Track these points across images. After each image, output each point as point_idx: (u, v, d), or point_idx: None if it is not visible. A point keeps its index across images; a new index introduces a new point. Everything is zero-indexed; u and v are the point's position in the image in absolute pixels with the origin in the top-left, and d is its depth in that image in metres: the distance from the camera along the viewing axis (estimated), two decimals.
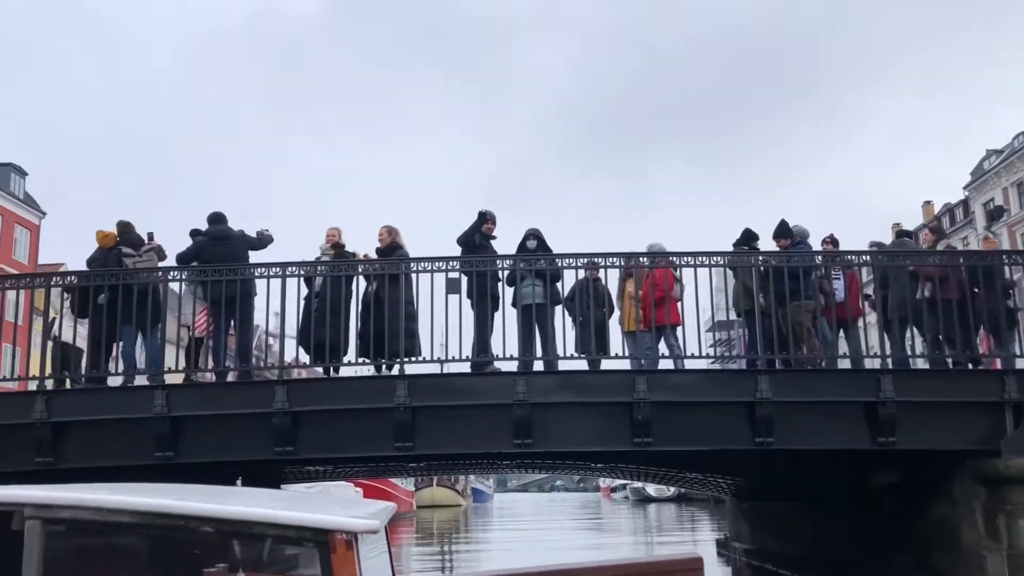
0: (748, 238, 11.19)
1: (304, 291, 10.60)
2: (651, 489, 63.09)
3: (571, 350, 10.14)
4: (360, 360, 10.27)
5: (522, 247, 11.06)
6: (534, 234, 11.16)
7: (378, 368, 10.34)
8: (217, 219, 11.26)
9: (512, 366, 10.24)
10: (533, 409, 9.97)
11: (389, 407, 9.95)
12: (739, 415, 10.05)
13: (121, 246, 10.77)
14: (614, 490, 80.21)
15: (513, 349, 10.26)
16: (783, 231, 11.12)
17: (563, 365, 10.41)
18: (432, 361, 10.33)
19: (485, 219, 11.08)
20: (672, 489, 62.77)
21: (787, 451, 10.32)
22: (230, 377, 10.88)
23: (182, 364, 10.62)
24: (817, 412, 10.01)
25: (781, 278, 10.25)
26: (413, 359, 10.27)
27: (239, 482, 12.67)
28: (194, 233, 11.41)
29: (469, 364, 10.47)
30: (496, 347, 10.51)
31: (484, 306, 10.40)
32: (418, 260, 10.40)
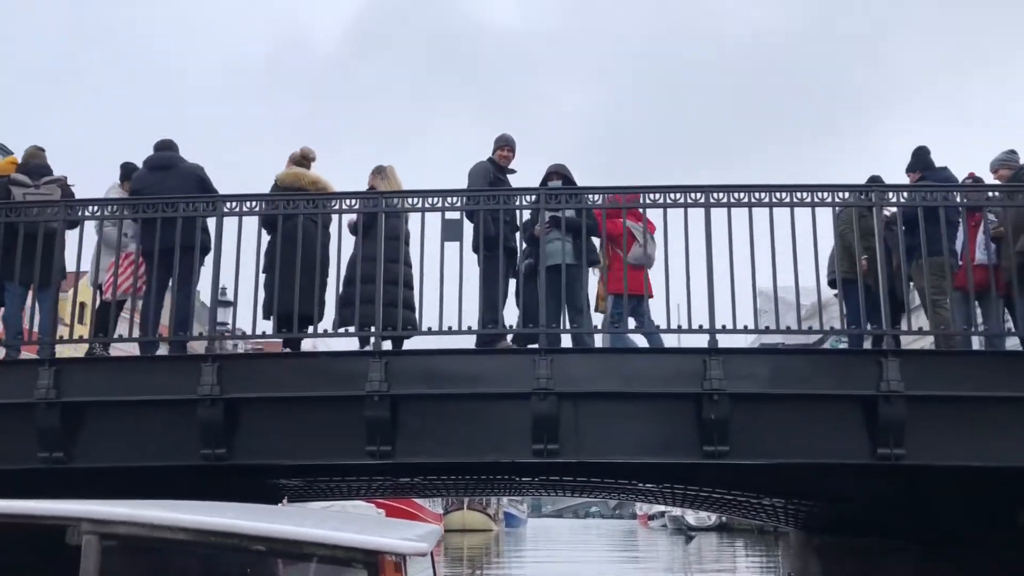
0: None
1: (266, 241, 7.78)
2: (691, 518, 59.94)
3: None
4: (325, 331, 7.45)
5: (543, 187, 8.18)
6: (558, 171, 8.25)
7: (363, 342, 7.52)
8: (165, 146, 8.43)
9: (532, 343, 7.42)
10: (560, 402, 7.11)
11: (358, 395, 7.14)
12: (853, 415, 7.08)
13: (16, 174, 8.03)
14: (651, 518, 76.68)
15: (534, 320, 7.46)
16: (922, 161, 8.14)
17: (601, 342, 7.52)
18: (421, 333, 7.50)
19: (500, 145, 8.23)
20: (714, 518, 59.42)
21: (918, 469, 7.29)
22: (162, 351, 8.06)
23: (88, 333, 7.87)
24: (967, 412, 6.99)
25: (914, 226, 7.28)
26: (396, 332, 7.44)
27: (284, 502, 11.89)
28: (127, 169, 8.66)
29: (473, 340, 7.64)
30: (510, 317, 7.69)
31: (494, 261, 7.56)
32: (404, 195, 7.58)
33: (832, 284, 8.53)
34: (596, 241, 7.94)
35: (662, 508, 66.85)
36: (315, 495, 14.52)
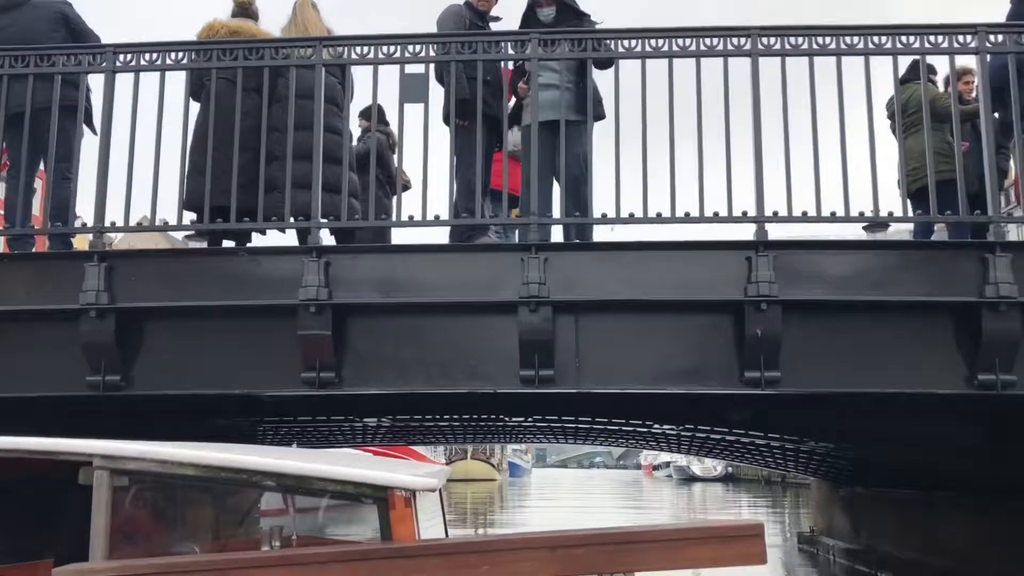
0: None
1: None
2: (696, 468, 59.09)
3: (630, 208, 5.43)
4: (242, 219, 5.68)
5: (530, 18, 6.28)
6: None
7: (301, 238, 5.76)
8: None
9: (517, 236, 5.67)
10: (557, 315, 5.39)
11: (291, 305, 5.41)
12: (946, 330, 5.33)
13: None
14: (656, 468, 75.92)
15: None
16: None
17: (608, 235, 5.74)
18: (374, 224, 5.74)
19: None
20: (720, 468, 58.40)
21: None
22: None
23: None
24: None
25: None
26: (338, 223, 5.66)
27: (294, 444, 11.51)
28: None
29: (444, 235, 5.90)
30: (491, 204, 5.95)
31: (470, 133, 5.73)
32: (350, 42, 5.73)
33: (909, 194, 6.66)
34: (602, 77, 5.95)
35: (667, 458, 66.30)
36: (284, 442, 12.90)
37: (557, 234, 5.83)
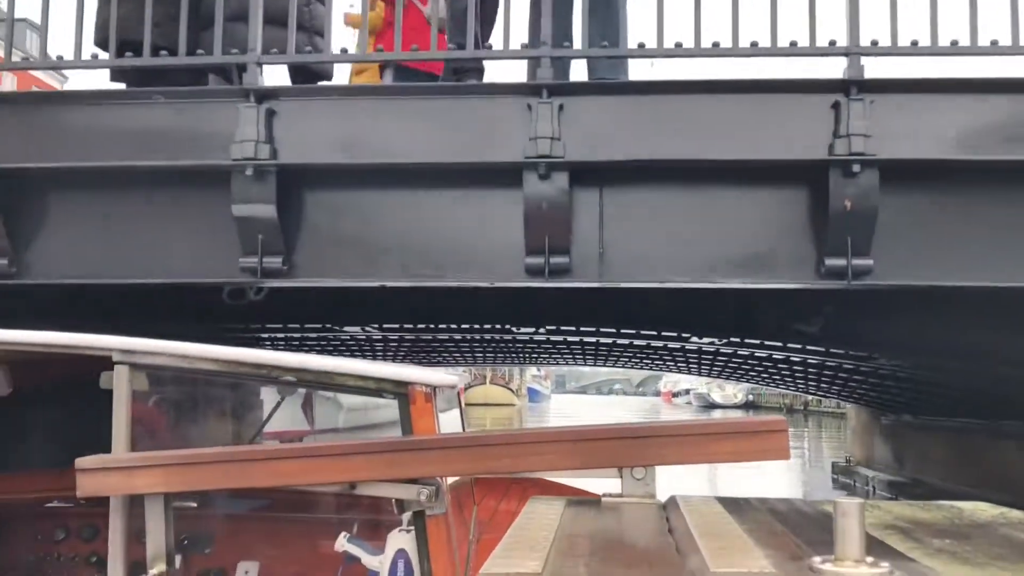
0: None
1: None
2: (717, 395, 58.47)
3: (676, 36, 3.98)
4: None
5: None
6: None
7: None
8: None
9: (521, 71, 4.27)
10: (574, 182, 4.04)
11: (223, 167, 4.09)
12: None
13: None
14: (675, 395, 75.35)
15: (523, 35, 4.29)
16: None
17: (646, 73, 4.32)
18: (332, 60, 4.36)
19: None
20: (741, 395, 57.61)
21: None
22: None
23: None
24: None
25: None
26: (287, 58, 4.27)
27: None
28: None
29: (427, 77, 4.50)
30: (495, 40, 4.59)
31: None
32: None
33: None
34: None
35: (687, 385, 65.63)
36: None
37: (578, 71, 4.41)
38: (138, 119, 4.25)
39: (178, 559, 2.54)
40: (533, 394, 72.87)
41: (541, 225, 4.08)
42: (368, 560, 2.64)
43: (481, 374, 54.04)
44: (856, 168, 3.85)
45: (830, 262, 4.00)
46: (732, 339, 7.32)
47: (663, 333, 7.54)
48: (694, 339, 7.55)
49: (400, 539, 2.55)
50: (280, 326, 7.03)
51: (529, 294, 4.85)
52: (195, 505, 2.74)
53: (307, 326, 7.20)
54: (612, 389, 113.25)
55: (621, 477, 2.28)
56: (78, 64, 4.22)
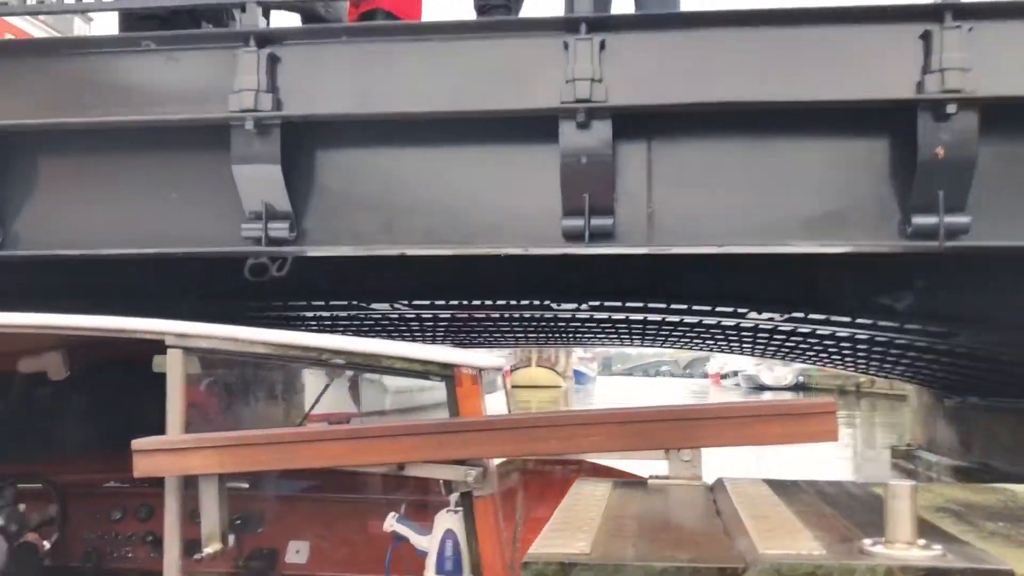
0: None
1: None
2: (766, 376, 57.57)
3: None
4: None
5: None
6: None
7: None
8: None
9: (557, 5, 3.73)
10: (618, 132, 3.52)
11: (219, 121, 3.64)
12: None
13: None
14: (724, 377, 74.29)
15: None
16: None
17: (701, 3, 3.74)
18: None
19: None
20: (790, 377, 56.50)
21: None
22: None
23: None
24: None
25: None
26: None
27: None
28: None
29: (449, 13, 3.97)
30: None
31: None
32: None
33: None
34: None
35: (736, 366, 64.66)
36: None
37: (621, 2, 3.86)
38: (128, 70, 3.80)
39: (231, 538, 2.59)
40: (579, 376, 72.30)
41: (580, 182, 3.57)
42: (416, 540, 2.66)
43: (526, 356, 53.80)
44: (950, 109, 3.27)
45: (918, 220, 3.43)
46: (795, 315, 6.65)
47: (717, 309, 6.89)
48: (752, 315, 6.89)
49: (448, 520, 2.58)
50: (304, 303, 6.57)
51: (568, 264, 4.33)
52: (247, 486, 2.82)
53: (332, 303, 6.74)
54: (659, 371, 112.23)
55: (668, 459, 2.27)
56: (57, 9, 3.78)
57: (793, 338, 8.47)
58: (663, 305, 6.57)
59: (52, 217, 3.95)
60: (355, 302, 6.77)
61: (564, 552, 1.51)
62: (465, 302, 6.92)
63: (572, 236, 3.66)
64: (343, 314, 7.26)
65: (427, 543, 2.59)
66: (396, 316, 7.91)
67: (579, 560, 1.47)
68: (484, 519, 2.50)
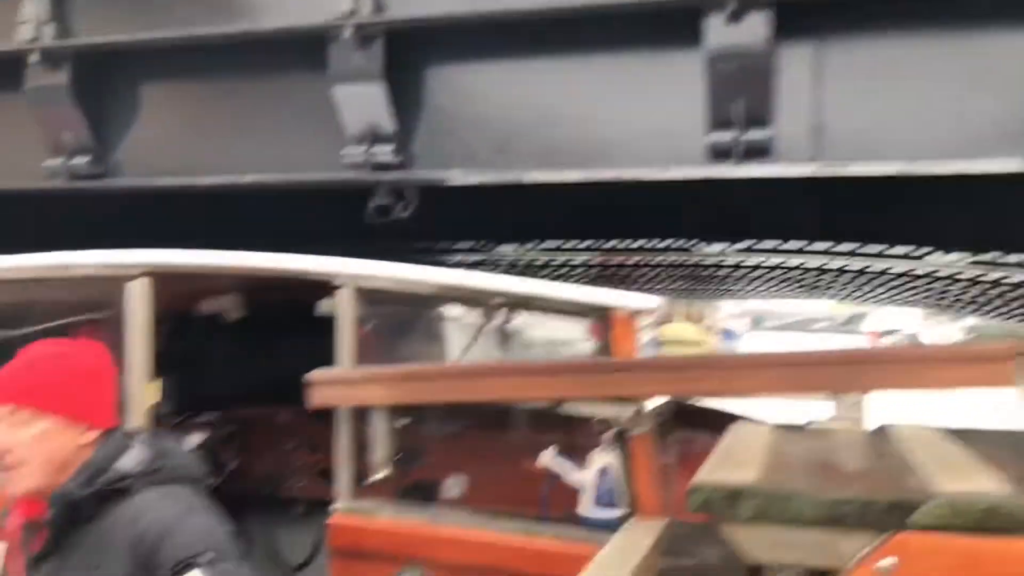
0: None
1: None
2: (930, 336, 54.27)
3: None
4: None
5: None
6: None
7: None
8: None
9: None
10: (779, 26, 2.88)
11: (316, 29, 3.25)
12: None
13: None
14: (883, 335, 70.56)
15: None
16: None
17: None
18: None
19: None
20: (957, 335, 52.99)
21: None
22: None
23: None
24: None
25: None
26: None
27: None
28: None
29: None
30: None
31: None
32: None
33: None
34: None
35: (897, 324, 61.34)
36: None
37: None
38: None
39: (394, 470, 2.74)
40: (728, 334, 70.32)
41: (730, 88, 2.97)
42: (572, 476, 2.68)
43: (670, 311, 52.80)
44: None
45: None
46: (981, 257, 5.63)
47: (891, 250, 5.86)
48: (932, 258, 5.89)
49: (604, 457, 2.61)
50: (426, 246, 6.17)
51: (714, 192, 3.72)
52: (408, 422, 2.89)
53: (456, 247, 6.29)
54: (815, 328, 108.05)
55: (833, 403, 2.27)
56: None
57: (981, 283, 7.36)
58: (828, 244, 5.74)
59: (152, 144, 3.69)
60: (480, 243, 6.31)
61: (732, 480, 1.48)
62: (597, 243, 6.34)
63: (719, 153, 3.07)
64: (468, 259, 6.83)
65: (582, 479, 2.63)
66: (524, 263, 7.41)
67: (747, 488, 1.44)
68: (640, 458, 2.54)
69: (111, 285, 2.90)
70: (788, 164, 3.05)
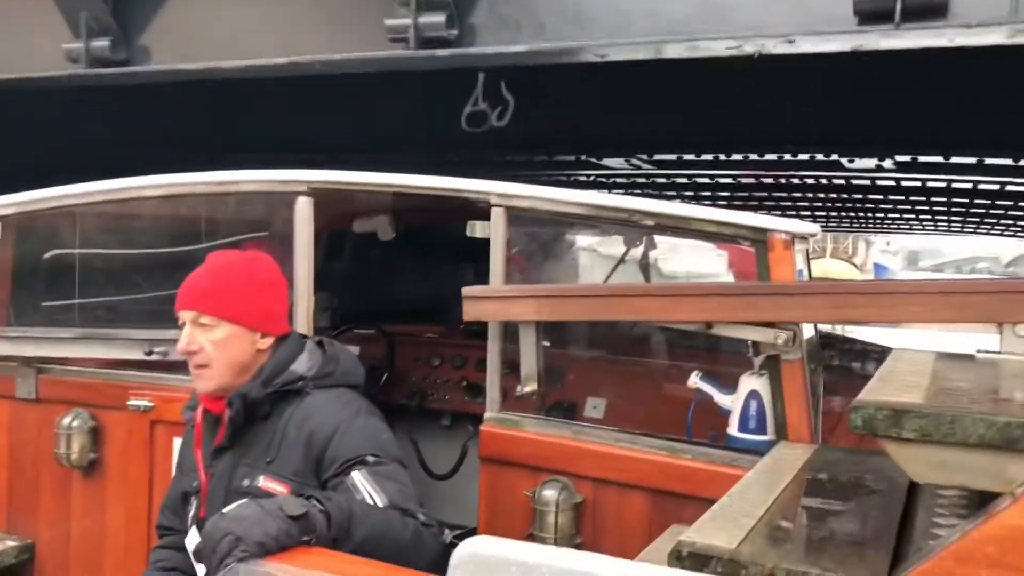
0: None
1: None
2: None
3: None
4: None
5: None
6: None
7: None
8: None
9: None
10: None
11: None
12: None
13: None
14: None
15: None
16: None
17: None
18: None
19: None
20: None
21: None
22: None
23: None
24: None
25: None
26: None
27: None
28: None
29: None
30: None
31: None
32: None
33: None
34: None
35: None
36: None
37: None
38: None
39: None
40: (879, 271, 66.76)
41: None
42: (720, 399, 2.68)
43: (820, 246, 50.96)
44: None
45: None
46: None
47: None
48: None
49: (754, 381, 2.60)
50: (524, 159, 5.84)
51: (866, 73, 3.33)
52: (549, 344, 2.95)
53: (558, 158, 5.94)
54: (975, 268, 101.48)
55: (1000, 334, 2.17)
56: None
57: None
58: (1007, 162, 4.70)
59: (175, 28, 3.69)
60: (584, 157, 5.94)
61: (897, 399, 1.43)
62: (719, 156, 5.74)
63: (866, 16, 2.61)
64: (573, 173, 6.51)
65: (731, 402, 2.62)
66: (641, 177, 6.85)
67: (913, 407, 1.39)
68: (792, 383, 2.51)
69: (278, 200, 3.06)
70: (967, 26, 2.54)
